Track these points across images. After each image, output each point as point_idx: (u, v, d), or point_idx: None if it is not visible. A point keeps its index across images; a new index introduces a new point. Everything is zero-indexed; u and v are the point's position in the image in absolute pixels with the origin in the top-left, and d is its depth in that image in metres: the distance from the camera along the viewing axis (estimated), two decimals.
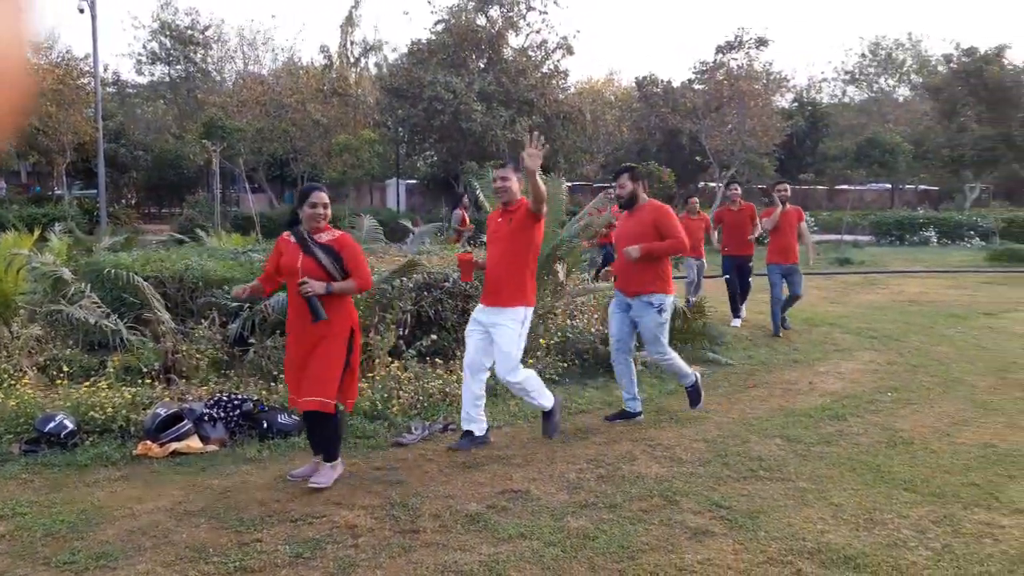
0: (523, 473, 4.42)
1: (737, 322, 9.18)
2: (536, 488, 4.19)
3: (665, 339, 5.46)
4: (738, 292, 9.44)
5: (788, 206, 8.68)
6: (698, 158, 31.62)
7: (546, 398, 5.00)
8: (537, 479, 4.33)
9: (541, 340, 6.74)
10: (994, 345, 8.13)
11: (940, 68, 36.92)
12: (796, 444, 4.93)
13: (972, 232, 24.45)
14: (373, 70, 33.55)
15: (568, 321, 7.33)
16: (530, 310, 4.89)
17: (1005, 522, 3.71)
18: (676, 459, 4.66)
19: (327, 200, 4.27)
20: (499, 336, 4.76)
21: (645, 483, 4.26)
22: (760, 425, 5.36)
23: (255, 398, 5.19)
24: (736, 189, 9.85)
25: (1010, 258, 18.05)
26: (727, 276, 9.49)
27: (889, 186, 40.12)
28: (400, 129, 26.12)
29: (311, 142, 26.50)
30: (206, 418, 4.97)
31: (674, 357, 5.52)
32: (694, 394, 5.63)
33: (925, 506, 3.92)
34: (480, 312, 4.91)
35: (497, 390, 5.93)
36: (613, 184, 5.62)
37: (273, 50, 39.84)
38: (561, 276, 7.69)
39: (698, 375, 5.70)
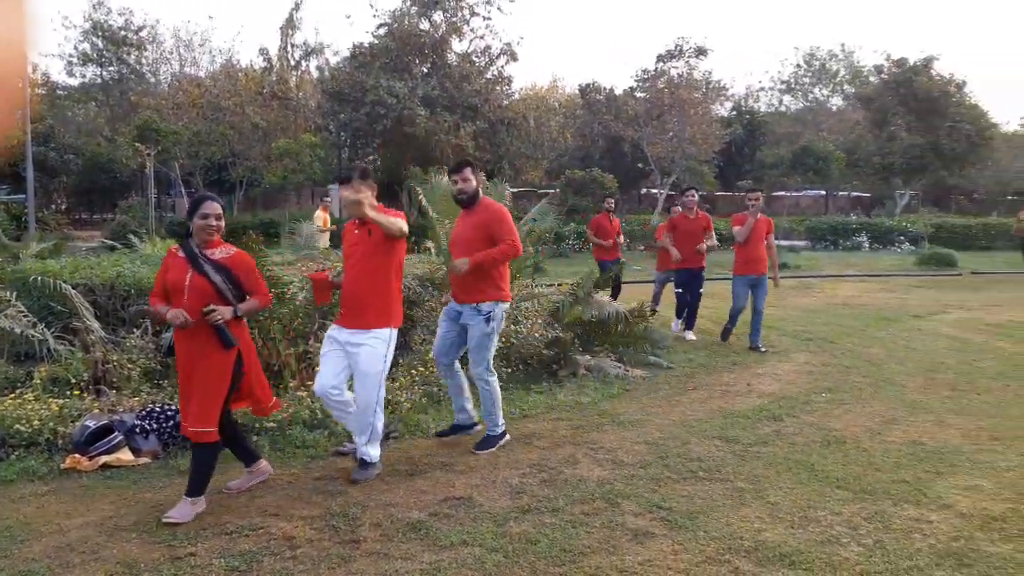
0: (466, 480, 4.40)
1: (690, 334, 8.91)
2: (479, 495, 4.17)
3: (491, 355, 4.96)
4: (687, 304, 9.10)
5: (760, 216, 8.31)
6: (640, 165, 32.09)
7: (375, 448, 4.47)
8: (480, 485, 4.31)
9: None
10: (923, 346, 8.43)
11: (872, 79, 38.21)
12: (734, 445, 5.02)
13: (902, 237, 25.35)
14: (314, 73, 33.10)
15: (512, 326, 7.32)
16: (396, 332, 4.45)
17: (933, 517, 3.84)
18: (618, 462, 4.70)
19: (220, 211, 3.98)
20: (362, 358, 4.27)
21: (587, 486, 4.28)
22: (700, 427, 5.44)
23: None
24: (693, 195, 9.20)
25: (938, 262, 18.77)
26: (679, 290, 9.20)
27: (823, 193, 41.37)
28: (342, 133, 25.86)
29: (250, 146, 26.02)
30: (138, 430, 4.82)
31: (494, 386, 4.99)
32: (489, 441, 4.97)
33: (857, 503, 4.03)
34: (338, 332, 4.42)
35: (439, 397, 5.90)
36: (454, 177, 5.00)
37: (211, 52, 39.04)
38: None
39: (506, 434, 5.08)
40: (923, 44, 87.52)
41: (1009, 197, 37.19)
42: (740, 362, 7.67)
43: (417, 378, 5.98)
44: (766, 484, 4.31)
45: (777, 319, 10.31)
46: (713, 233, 8.94)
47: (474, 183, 4.92)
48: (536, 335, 7.15)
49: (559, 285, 9.06)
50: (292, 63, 32.77)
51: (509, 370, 6.64)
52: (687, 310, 9.11)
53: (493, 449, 4.92)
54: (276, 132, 26.88)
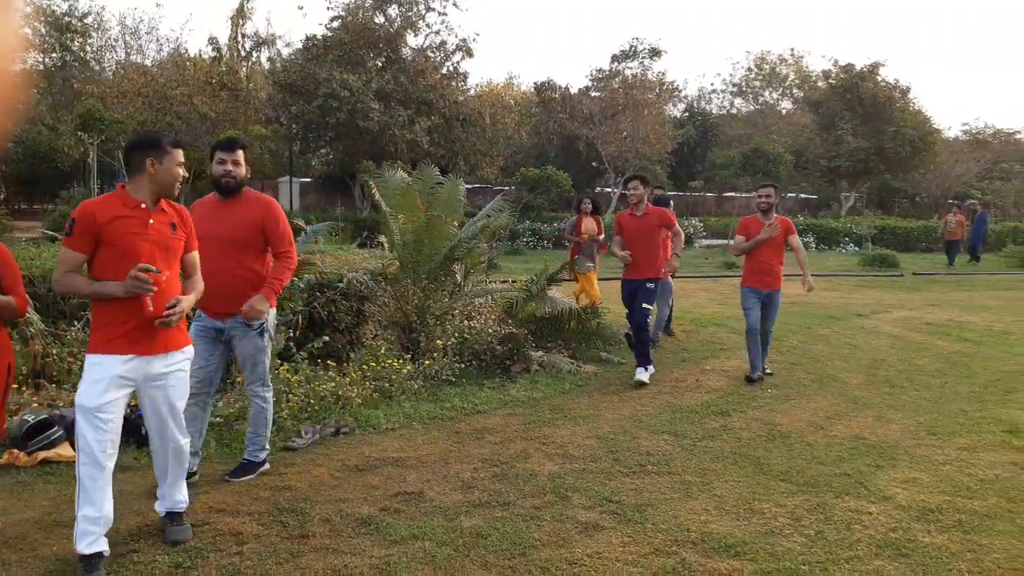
0: (417, 475, 4.39)
1: (642, 374, 6.69)
2: (430, 489, 4.16)
3: (266, 368, 4.32)
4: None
5: (774, 216, 6.80)
6: (594, 164, 32.31)
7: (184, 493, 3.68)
8: (431, 480, 4.30)
9: (439, 341, 6.72)
10: (866, 344, 8.67)
11: (820, 83, 39.11)
12: (683, 439, 5.10)
13: (847, 238, 26.02)
14: (265, 65, 32.56)
15: (466, 322, 7.33)
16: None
17: (872, 509, 3.96)
18: (569, 456, 4.73)
19: None
20: (172, 387, 3.42)
21: (538, 480, 4.31)
22: (649, 421, 5.52)
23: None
24: (636, 187, 7.01)
25: (881, 262, 19.30)
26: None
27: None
28: (294, 126, 25.40)
29: (198, 136, 25.42)
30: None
31: (271, 404, 4.40)
32: (248, 467, 4.33)
33: (800, 495, 4.14)
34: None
35: (391, 392, 5.87)
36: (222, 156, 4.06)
37: (158, 40, 38.09)
38: (459, 277, 7.70)
39: (267, 462, 4.43)
40: (870, 50, 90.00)
41: (950, 200, 38.43)
42: (689, 359, 7.79)
43: (368, 373, 5.94)
44: (713, 477, 4.39)
45: (725, 316, 10.49)
46: (679, 235, 6.99)
47: (244, 167, 4.09)
48: (489, 331, 7.17)
49: (513, 281, 9.09)
50: (242, 53, 32.19)
51: (462, 365, 6.64)
52: (635, 335, 6.94)
53: (251, 477, 4.29)
54: (225, 123, 26.33)
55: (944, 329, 9.71)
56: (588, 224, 9.37)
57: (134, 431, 4.74)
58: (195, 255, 3.50)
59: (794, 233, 6.93)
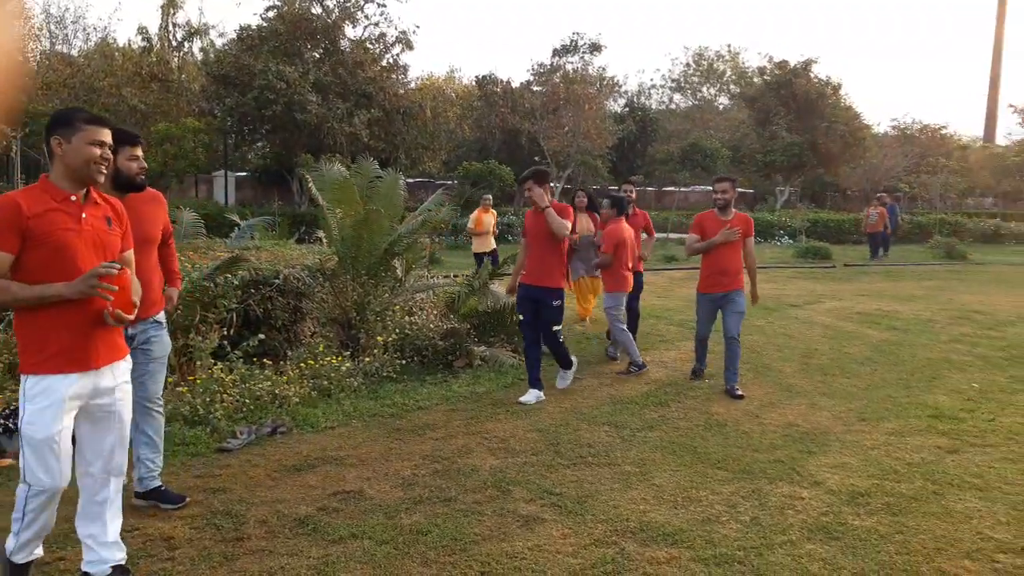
0: (357, 473, 4.33)
1: (565, 378, 6.35)
2: (370, 487, 4.11)
3: (161, 381, 3.93)
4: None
5: (733, 212, 6.33)
6: (536, 158, 32.40)
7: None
8: (371, 478, 4.25)
9: (379, 337, 6.64)
10: (799, 334, 8.91)
11: (755, 79, 39.97)
12: (623, 430, 5.16)
13: (782, 231, 26.68)
14: (198, 55, 31.64)
15: (407, 318, 7.26)
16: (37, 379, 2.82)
17: (805, 494, 4.07)
18: (510, 450, 4.73)
19: None
20: (121, 402, 3.05)
21: (480, 475, 4.29)
22: (590, 413, 5.56)
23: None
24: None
25: (814, 255, 19.85)
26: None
27: (711, 188, 42.91)
28: (228, 119, 24.73)
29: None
30: (1, 429, 4.48)
31: (161, 422, 3.93)
32: (157, 494, 3.87)
33: (736, 482, 4.22)
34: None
35: (330, 390, 5.78)
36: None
37: (84, 29, 36.65)
38: (399, 272, 7.62)
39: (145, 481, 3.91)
40: (803, 47, 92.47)
41: (880, 193, 39.80)
42: None
43: (306, 371, 5.83)
44: (652, 467, 4.45)
45: (665, 309, 10.65)
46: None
47: (142, 159, 3.68)
48: (431, 326, 7.12)
49: (456, 276, 9.05)
50: (174, 44, 31.24)
51: (403, 361, 6.58)
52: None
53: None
54: (156, 116, 25.51)
55: (873, 318, 10.04)
56: (582, 222, 8.30)
57: None
58: (131, 254, 3.11)
59: (752, 235, 6.36)
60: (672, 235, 25.35)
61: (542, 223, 5.84)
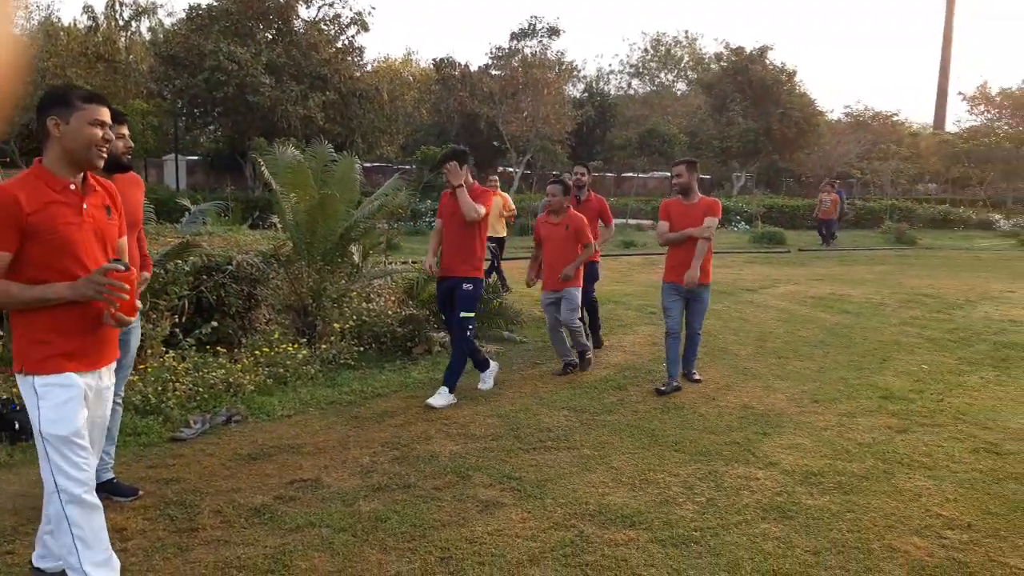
0: (314, 461, 4.28)
1: (483, 380, 5.91)
2: (327, 475, 4.06)
3: (128, 374, 3.84)
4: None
5: (698, 198, 5.87)
6: (496, 143, 32.29)
7: None
8: (329, 466, 4.20)
9: (336, 324, 6.56)
10: (754, 318, 9.05)
11: (712, 66, 40.34)
12: (582, 414, 5.18)
13: (738, 217, 27.03)
14: (146, 35, 30.77)
15: (364, 304, 7.18)
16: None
17: (760, 475, 4.13)
18: (470, 436, 4.72)
19: None
20: (108, 403, 2.93)
21: (439, 461, 4.28)
22: (550, 398, 5.57)
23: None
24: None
25: (769, 240, 20.18)
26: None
27: (669, 174, 43.28)
28: (179, 101, 24.13)
29: None
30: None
31: (119, 415, 3.87)
32: (110, 486, 3.72)
33: (693, 464, 4.27)
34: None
35: (286, 378, 5.70)
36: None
37: (27, 7, 35.34)
38: (356, 258, 7.53)
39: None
40: (759, 34, 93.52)
41: (835, 179, 40.57)
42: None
43: (261, 359, 5.74)
44: (610, 450, 4.47)
45: (623, 294, 10.72)
46: (586, 244, 6.25)
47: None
48: (389, 313, 7.05)
49: (414, 262, 8.97)
50: (121, 23, 30.32)
51: (361, 349, 6.51)
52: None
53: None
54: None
55: (826, 302, 10.24)
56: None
57: (6, 426, 4.43)
58: (125, 242, 2.90)
59: (713, 215, 5.76)
60: (631, 221, 25.52)
61: (456, 204, 5.44)
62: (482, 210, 5.44)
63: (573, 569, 3.10)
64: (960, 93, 38.16)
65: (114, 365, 2.84)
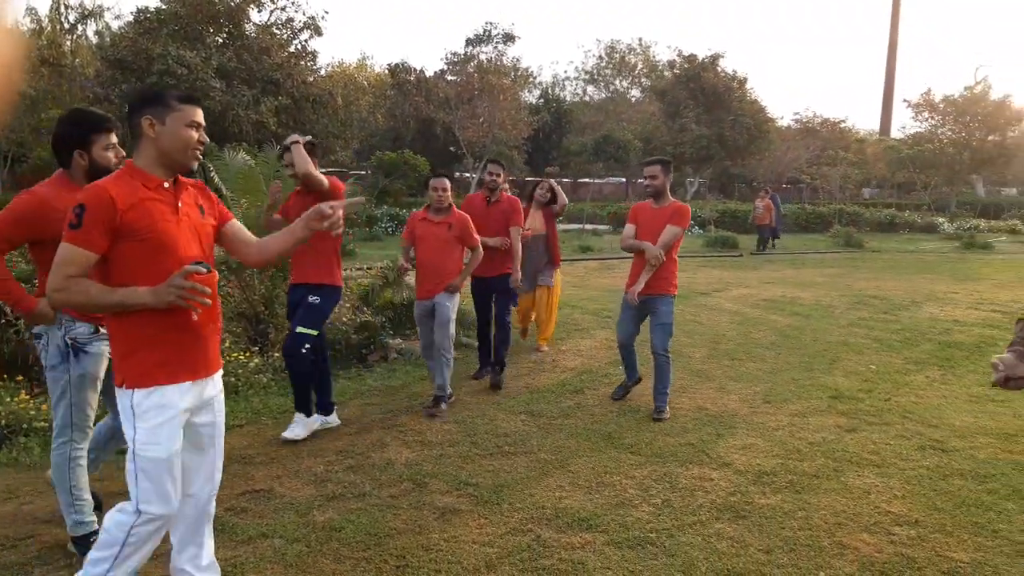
0: (266, 471, 4.20)
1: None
2: (280, 486, 3.99)
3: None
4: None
5: (669, 202, 5.43)
6: (452, 148, 32.28)
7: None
8: (282, 476, 4.13)
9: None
10: (708, 320, 9.16)
11: (666, 73, 40.93)
12: (539, 419, 5.18)
13: (692, 222, 27.40)
14: (93, 39, 30.07)
15: None
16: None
17: (714, 475, 4.18)
18: (426, 443, 4.69)
19: None
20: (219, 413, 2.94)
21: (395, 469, 4.23)
22: (507, 403, 5.56)
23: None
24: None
25: (723, 244, 20.50)
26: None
27: (624, 180, 43.82)
28: (126, 106, 23.58)
29: (16, 116, 23.16)
30: None
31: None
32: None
33: (648, 466, 4.30)
34: None
35: (237, 387, 5.60)
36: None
37: None
38: None
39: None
40: (711, 41, 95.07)
41: (784, 185, 41.43)
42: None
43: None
44: (567, 454, 4.48)
45: (581, 299, 10.77)
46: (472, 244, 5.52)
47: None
48: (344, 320, 6.97)
49: (369, 268, 8.90)
50: (66, 26, 29.57)
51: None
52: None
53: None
54: (47, 102, 24.12)
55: (778, 305, 10.43)
56: (533, 218, 7.17)
57: None
58: (237, 223, 2.81)
59: (676, 224, 5.25)
60: (587, 226, 25.70)
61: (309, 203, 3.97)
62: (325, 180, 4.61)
63: (530, 574, 3.10)
64: (905, 100, 39.33)
65: (219, 374, 2.73)
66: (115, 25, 29.75)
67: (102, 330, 2.97)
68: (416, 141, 31.17)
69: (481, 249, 5.59)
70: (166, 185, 2.51)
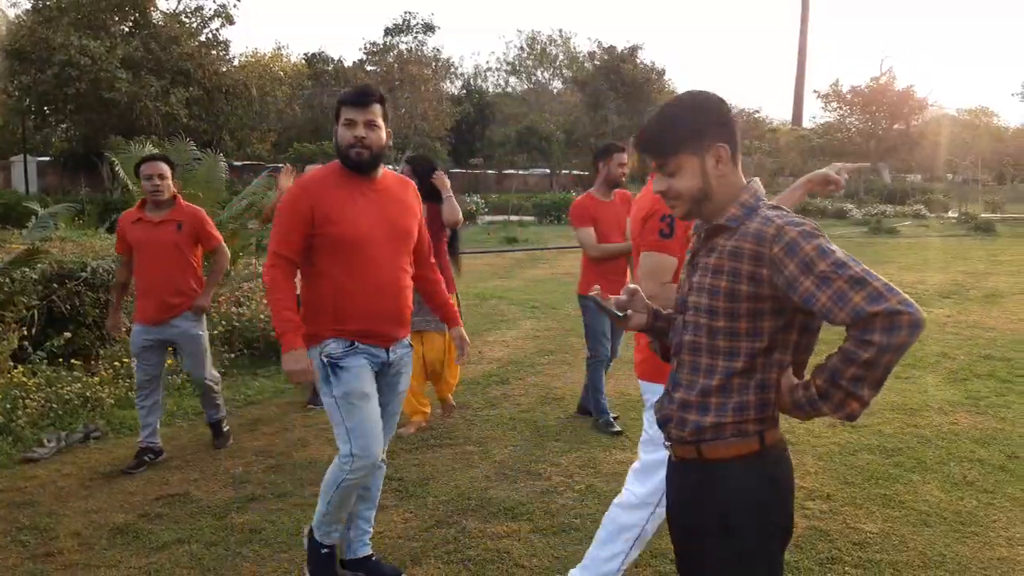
0: (182, 475, 4.07)
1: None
2: (197, 489, 3.87)
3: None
4: None
5: (615, 193, 4.92)
6: None
7: None
8: (198, 479, 4.00)
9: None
10: None
11: (586, 64, 41.33)
12: (465, 410, 5.17)
13: None
14: None
15: (234, 309, 6.89)
16: None
17: (636, 459, 4.24)
18: None
19: None
20: None
21: (317, 468, 4.15)
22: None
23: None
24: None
25: None
26: None
27: (548, 171, 44.13)
28: (26, 98, 22.36)
29: None
30: None
31: None
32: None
33: (573, 453, 4.35)
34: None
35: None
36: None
37: None
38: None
39: None
40: (630, 33, 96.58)
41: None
42: (472, 331, 7.85)
43: (121, 371, 5.40)
44: (493, 444, 4.49)
45: (507, 289, 10.80)
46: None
47: None
48: (262, 317, 6.79)
49: None
50: None
51: (232, 355, 6.25)
52: None
53: None
54: None
55: None
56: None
57: None
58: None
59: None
60: (513, 217, 25.78)
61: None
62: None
63: (455, 565, 3.09)
64: (815, 91, 40.72)
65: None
66: (12, 13, 28.14)
67: (358, 344, 2.74)
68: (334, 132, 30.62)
69: (226, 250, 4.49)
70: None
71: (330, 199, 2.71)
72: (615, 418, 4.85)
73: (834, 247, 1.50)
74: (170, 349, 4.54)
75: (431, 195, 4.52)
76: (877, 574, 2.99)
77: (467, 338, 3.19)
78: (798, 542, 3.27)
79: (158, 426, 4.30)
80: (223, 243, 4.45)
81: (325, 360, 2.72)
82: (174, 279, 4.20)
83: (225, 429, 4.57)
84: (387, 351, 2.84)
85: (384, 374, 2.87)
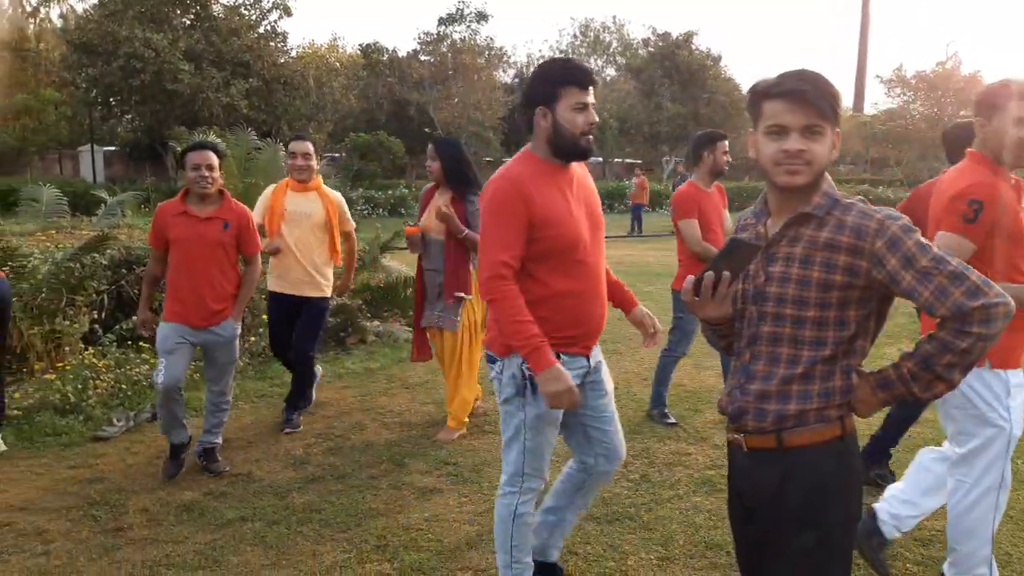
0: (245, 455, 4.19)
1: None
2: (259, 469, 3.98)
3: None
4: None
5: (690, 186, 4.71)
6: (427, 129, 32.05)
7: None
8: (260, 460, 4.12)
9: (264, 316, 6.39)
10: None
11: (640, 51, 40.84)
12: None
13: (668, 200, 27.52)
14: (57, 22, 29.40)
15: None
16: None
17: (691, 450, 4.22)
18: (406, 424, 4.69)
19: None
20: None
21: (375, 450, 4.24)
22: (484, 381, 5.54)
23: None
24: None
25: None
26: None
27: (601, 159, 43.85)
28: (93, 90, 23.11)
29: None
30: None
31: None
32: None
33: (627, 442, 4.29)
34: None
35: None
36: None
37: None
38: None
39: None
40: (686, 19, 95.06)
41: (640, 164, 41.68)
42: None
43: None
44: None
45: None
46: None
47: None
48: None
49: None
50: (28, 9, 28.91)
51: None
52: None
53: None
54: (11, 87, 23.61)
55: None
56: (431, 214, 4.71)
57: None
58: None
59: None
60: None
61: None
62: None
63: None
64: (877, 76, 39.54)
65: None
66: (80, 8, 29.14)
67: (562, 355, 2.44)
68: (390, 122, 30.91)
69: (259, 259, 4.09)
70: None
71: (543, 198, 2.39)
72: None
73: (927, 241, 1.54)
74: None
75: (457, 179, 4.35)
76: (939, 573, 2.92)
77: (649, 313, 2.85)
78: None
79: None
80: (259, 249, 4.06)
81: (527, 373, 2.41)
82: (218, 282, 3.82)
83: (219, 457, 4.04)
84: (587, 358, 2.56)
85: (588, 380, 2.60)
